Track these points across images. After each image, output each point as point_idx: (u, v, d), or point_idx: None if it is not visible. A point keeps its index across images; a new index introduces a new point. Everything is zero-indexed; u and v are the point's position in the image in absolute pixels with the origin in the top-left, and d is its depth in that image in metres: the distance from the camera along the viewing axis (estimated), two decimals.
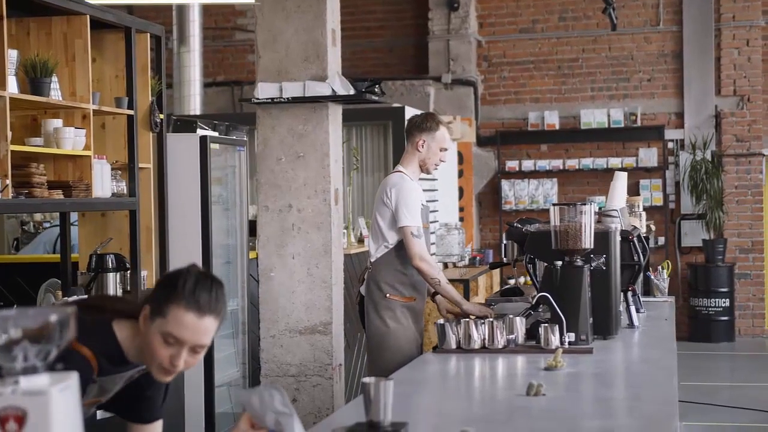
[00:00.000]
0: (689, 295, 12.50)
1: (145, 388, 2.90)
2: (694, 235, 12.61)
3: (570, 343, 4.29)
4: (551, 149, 13.05)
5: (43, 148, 5.04)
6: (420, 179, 9.01)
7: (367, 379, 2.76)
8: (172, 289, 2.64)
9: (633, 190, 12.39)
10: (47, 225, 8.23)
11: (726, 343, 12.23)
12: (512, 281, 11.10)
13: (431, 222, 6.23)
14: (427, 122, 5.29)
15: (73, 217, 6.15)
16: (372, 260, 5.30)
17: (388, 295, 5.18)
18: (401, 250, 5.13)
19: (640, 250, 5.09)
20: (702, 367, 10.84)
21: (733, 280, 12.40)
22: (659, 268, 6.53)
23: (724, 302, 12.25)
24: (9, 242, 8.87)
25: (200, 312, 2.62)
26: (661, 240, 12.58)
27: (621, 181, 5.65)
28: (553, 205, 4.50)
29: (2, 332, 1.79)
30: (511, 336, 4.32)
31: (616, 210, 5.26)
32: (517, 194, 12.98)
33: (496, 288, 10.50)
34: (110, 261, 5.52)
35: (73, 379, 1.84)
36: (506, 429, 2.96)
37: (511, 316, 4.40)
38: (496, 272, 10.99)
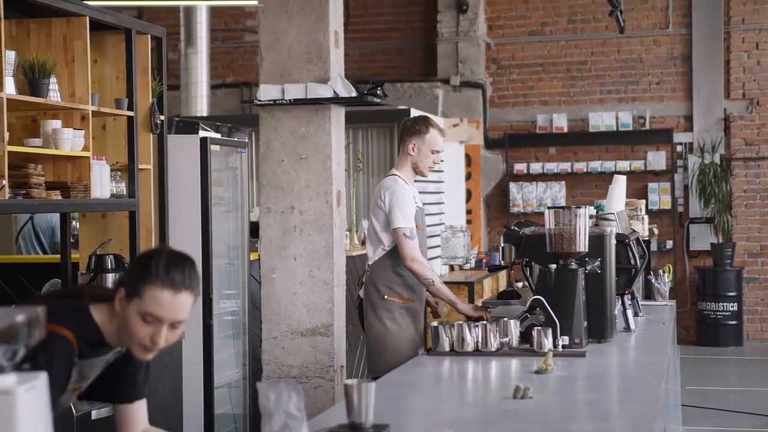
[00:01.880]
0: (697, 299, 12.46)
1: (123, 366, 2.94)
2: (702, 238, 12.57)
3: (564, 346, 4.29)
4: (560, 152, 13.03)
5: (42, 149, 5.06)
6: (426, 181, 9.01)
7: (348, 381, 2.77)
8: (146, 270, 2.71)
9: (641, 194, 12.37)
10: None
11: (734, 347, 12.19)
12: (520, 284, 11.08)
13: (428, 225, 6.25)
14: (417, 125, 5.35)
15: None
16: (369, 263, 5.35)
17: (386, 296, 5.22)
18: (397, 251, 5.16)
19: (637, 254, 5.08)
20: (709, 372, 10.80)
21: (741, 284, 12.36)
22: (660, 271, 6.51)
23: (732, 306, 12.21)
24: (14, 243, 8.91)
25: (176, 289, 2.70)
26: (669, 243, 12.55)
27: (619, 184, 5.65)
28: (548, 208, 4.50)
29: None
30: (504, 339, 4.32)
31: (613, 213, 5.26)
32: (525, 197, 12.96)
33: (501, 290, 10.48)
34: (109, 262, 5.54)
35: (40, 379, 1.85)
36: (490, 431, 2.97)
37: (505, 319, 4.40)
38: (503, 275, 10.97)
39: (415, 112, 10.32)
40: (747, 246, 12.58)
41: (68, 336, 2.73)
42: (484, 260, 10.85)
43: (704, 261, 12.64)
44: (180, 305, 2.72)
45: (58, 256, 5.99)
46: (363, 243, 8.63)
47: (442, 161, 5.66)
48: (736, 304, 12.23)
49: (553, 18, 13.07)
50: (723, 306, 12.20)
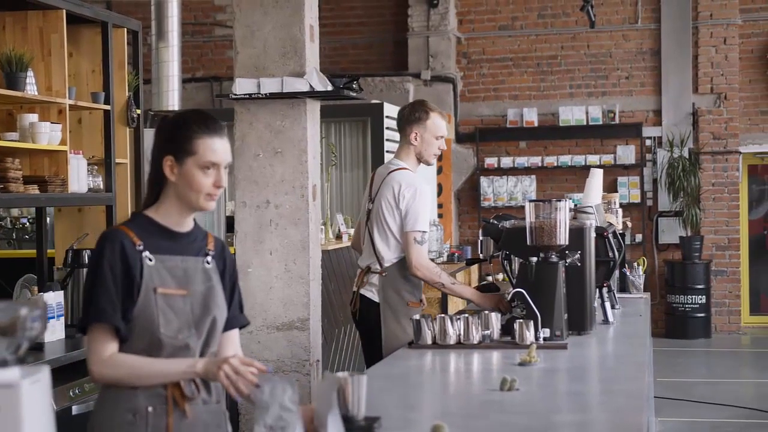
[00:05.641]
0: (666, 291, 12.57)
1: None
2: (671, 232, 12.69)
3: (545, 338, 4.31)
4: (530, 146, 13.09)
5: (19, 143, 5.02)
6: None
7: (340, 374, 2.77)
8: (189, 130, 2.92)
9: (611, 187, 12.45)
10: (24, 221, 8.19)
11: (702, 339, 12.32)
12: (489, 277, 11.13)
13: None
14: (416, 112, 5.10)
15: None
16: (385, 264, 5.05)
17: (409, 303, 5.03)
18: None
19: (615, 247, 5.11)
20: (678, 364, 10.91)
21: (709, 276, 12.48)
22: (635, 264, 6.56)
23: (701, 299, 12.33)
24: None
25: (220, 135, 2.95)
26: (639, 237, 12.65)
27: (597, 177, 5.68)
28: (529, 201, 4.51)
29: None
30: (486, 332, 4.33)
31: (592, 207, 5.29)
32: (496, 191, 13.02)
33: (475, 284, 10.52)
34: (86, 256, 5.49)
35: (44, 372, 1.85)
36: (480, 423, 2.98)
37: (486, 312, 4.42)
38: (474, 269, 11.02)
39: (387, 106, 10.33)
40: (715, 239, 12.70)
41: (120, 227, 2.91)
42: (456, 254, 10.89)
43: (673, 254, 12.75)
44: (227, 148, 2.97)
45: (34, 251, 5.95)
46: (338, 237, 8.61)
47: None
48: (704, 296, 12.35)
49: (523, 13, 13.12)
50: (692, 299, 12.32)
